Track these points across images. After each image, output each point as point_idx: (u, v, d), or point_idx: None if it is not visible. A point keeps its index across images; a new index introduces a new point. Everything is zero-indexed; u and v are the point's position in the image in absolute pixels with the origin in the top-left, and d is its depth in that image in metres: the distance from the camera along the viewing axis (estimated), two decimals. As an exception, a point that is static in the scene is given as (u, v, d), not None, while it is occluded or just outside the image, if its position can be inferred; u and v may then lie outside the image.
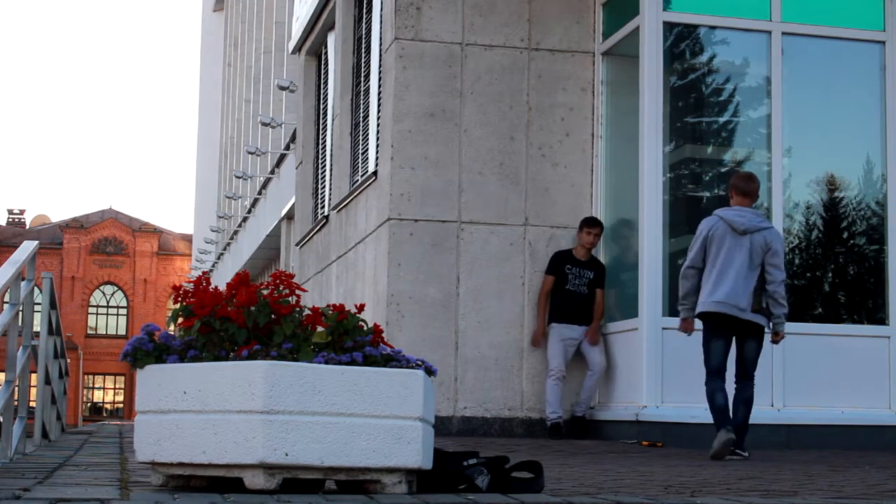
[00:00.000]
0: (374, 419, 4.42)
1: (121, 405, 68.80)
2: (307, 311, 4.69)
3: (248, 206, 32.12)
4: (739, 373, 8.26)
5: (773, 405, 9.81)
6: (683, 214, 10.43)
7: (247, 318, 4.59)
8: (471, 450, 5.06)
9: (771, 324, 8.21)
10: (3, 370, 6.37)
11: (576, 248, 10.46)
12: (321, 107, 15.63)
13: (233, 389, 4.34)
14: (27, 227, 74.93)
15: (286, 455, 4.28)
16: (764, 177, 10.29)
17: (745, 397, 8.18)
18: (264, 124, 25.01)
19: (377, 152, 11.53)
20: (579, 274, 10.39)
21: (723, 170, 10.68)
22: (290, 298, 4.68)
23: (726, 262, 8.13)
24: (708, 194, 10.72)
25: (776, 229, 8.55)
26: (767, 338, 8.31)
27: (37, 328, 7.99)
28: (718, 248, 8.18)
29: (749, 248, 8.13)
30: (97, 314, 70.67)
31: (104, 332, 70.12)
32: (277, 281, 4.71)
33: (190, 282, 4.90)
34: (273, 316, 4.63)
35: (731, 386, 8.21)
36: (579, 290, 10.37)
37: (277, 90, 24.49)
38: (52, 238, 69.73)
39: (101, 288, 70.88)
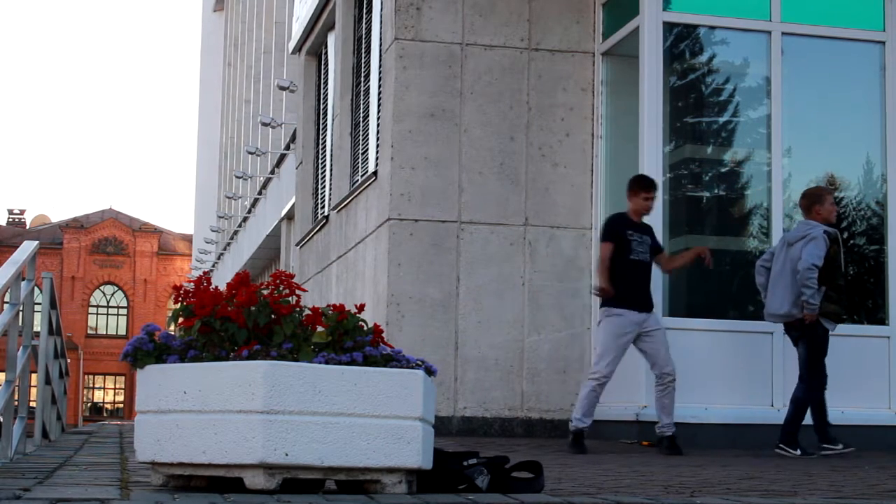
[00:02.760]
0: (374, 419, 4.42)
1: (121, 405, 68.77)
2: (307, 311, 4.69)
3: (248, 206, 32.12)
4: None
5: (773, 405, 9.81)
6: (683, 214, 10.43)
7: (247, 318, 4.59)
8: (471, 450, 5.06)
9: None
10: (4, 370, 6.38)
11: (630, 211, 9.01)
12: (321, 107, 15.63)
13: (233, 389, 4.34)
14: (27, 227, 74.89)
15: (286, 455, 4.28)
16: (764, 177, 10.29)
17: (794, 397, 8.89)
18: (264, 124, 25.02)
19: (377, 152, 11.54)
20: (641, 240, 8.89)
21: (723, 170, 10.69)
22: (290, 298, 4.69)
23: (776, 274, 8.95)
24: (708, 194, 10.72)
25: (818, 234, 8.68)
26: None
27: (37, 328, 7.99)
28: (774, 262, 9.01)
29: (792, 257, 8.83)
30: (97, 314, 70.62)
31: (104, 332, 70.07)
32: (277, 281, 4.71)
33: (190, 282, 4.90)
34: (273, 316, 4.63)
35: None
36: (644, 258, 8.86)
37: (277, 90, 24.49)
38: (52, 238, 69.68)
39: (102, 288, 70.84)
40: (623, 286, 8.74)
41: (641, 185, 8.95)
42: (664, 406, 8.80)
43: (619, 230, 8.84)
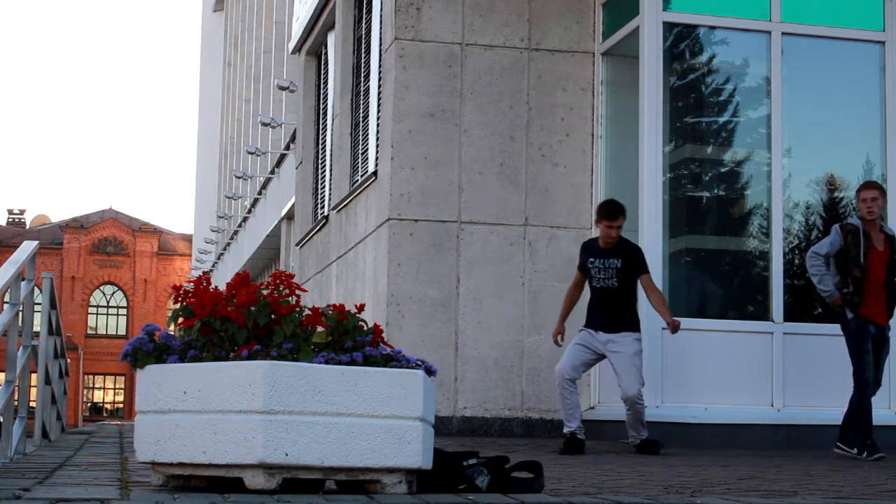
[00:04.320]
0: (374, 419, 4.42)
1: (121, 405, 68.77)
2: (307, 311, 4.69)
3: (248, 206, 32.12)
4: None
5: (773, 405, 9.81)
6: (683, 214, 10.43)
7: (247, 318, 4.59)
8: (471, 450, 5.06)
9: None
10: (4, 370, 6.38)
11: (599, 236, 8.97)
12: (321, 107, 15.63)
13: (233, 389, 4.34)
14: (27, 227, 74.89)
15: (286, 455, 4.28)
16: (764, 177, 10.29)
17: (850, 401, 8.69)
18: (264, 124, 25.01)
19: (377, 152, 11.54)
20: (603, 265, 8.76)
21: (723, 170, 10.68)
22: (290, 298, 4.68)
23: None
24: (708, 194, 10.72)
25: (833, 227, 8.65)
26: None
27: (37, 328, 7.99)
28: None
29: None
30: (97, 314, 70.63)
31: (104, 332, 70.09)
32: (277, 281, 4.71)
33: (190, 282, 4.90)
34: (273, 316, 4.63)
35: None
36: (606, 284, 8.75)
37: (277, 90, 24.48)
38: (52, 238, 69.69)
39: (101, 288, 70.85)
40: (589, 309, 8.93)
41: (604, 214, 8.75)
42: (630, 424, 8.86)
43: (584, 257, 8.93)
